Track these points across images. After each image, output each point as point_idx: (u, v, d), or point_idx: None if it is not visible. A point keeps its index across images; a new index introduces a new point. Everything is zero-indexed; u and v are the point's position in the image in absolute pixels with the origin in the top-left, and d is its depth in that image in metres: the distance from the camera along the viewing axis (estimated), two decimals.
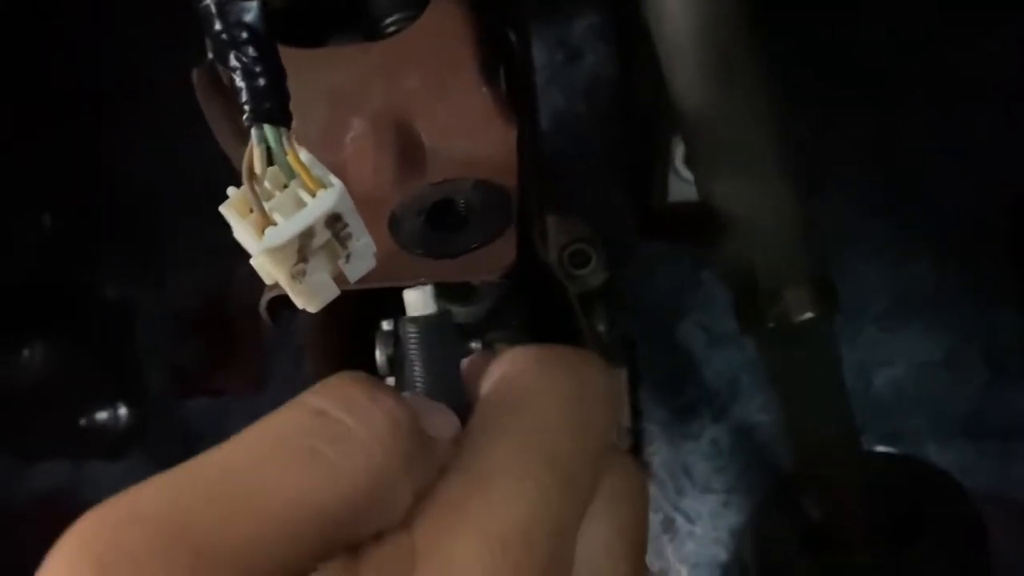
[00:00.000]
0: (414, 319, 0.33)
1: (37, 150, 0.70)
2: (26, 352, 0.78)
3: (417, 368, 0.32)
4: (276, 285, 0.44)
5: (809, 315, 0.54)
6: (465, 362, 0.33)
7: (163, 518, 0.22)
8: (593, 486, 0.30)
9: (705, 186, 0.52)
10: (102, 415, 0.81)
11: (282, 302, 0.44)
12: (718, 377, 0.85)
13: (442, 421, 0.30)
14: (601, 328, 0.77)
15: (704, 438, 0.85)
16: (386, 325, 0.54)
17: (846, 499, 0.68)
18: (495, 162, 0.46)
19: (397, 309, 0.51)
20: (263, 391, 0.86)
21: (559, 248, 0.77)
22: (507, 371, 0.32)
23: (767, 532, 0.80)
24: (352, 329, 0.53)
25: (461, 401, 0.32)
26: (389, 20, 0.50)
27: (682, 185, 0.78)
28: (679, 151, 0.78)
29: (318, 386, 0.27)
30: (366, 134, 0.47)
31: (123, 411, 0.82)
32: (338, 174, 0.36)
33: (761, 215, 0.51)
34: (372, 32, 0.49)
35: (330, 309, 0.53)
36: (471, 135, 0.47)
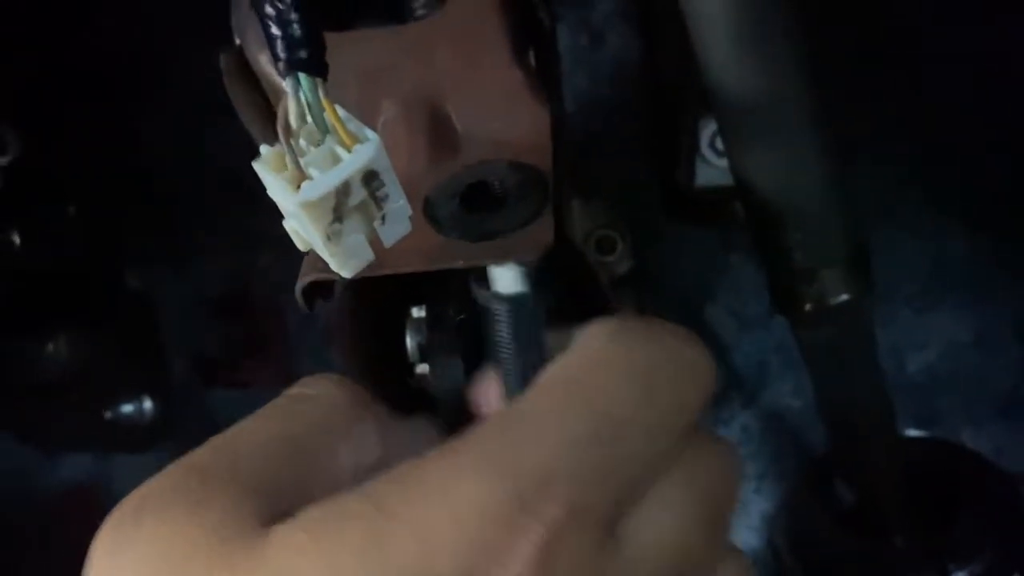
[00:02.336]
0: (505, 297, 0.32)
1: (62, 139, 0.70)
2: (51, 345, 0.78)
3: (504, 346, 0.33)
4: (312, 269, 0.44)
5: (846, 296, 0.53)
6: (550, 337, 0.33)
7: (179, 467, 0.30)
8: (663, 456, 0.29)
9: (739, 163, 0.52)
10: (127, 408, 0.81)
11: (317, 288, 0.44)
12: (748, 361, 0.85)
13: None
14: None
15: (735, 424, 0.85)
16: (416, 312, 0.54)
17: (881, 482, 0.68)
18: (529, 143, 0.46)
19: (423, 296, 0.51)
20: (288, 383, 0.85)
21: (584, 234, 0.77)
22: (579, 342, 0.31)
23: (800, 516, 0.79)
24: (379, 317, 0.52)
25: None
26: (419, 2, 0.50)
27: (709, 169, 0.78)
28: (705, 135, 0.78)
29: None
30: (398, 117, 0.47)
31: (148, 404, 0.82)
32: None
33: (799, 193, 0.50)
34: (402, 14, 0.49)
35: (357, 296, 0.52)
36: (504, 116, 0.46)
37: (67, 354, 0.78)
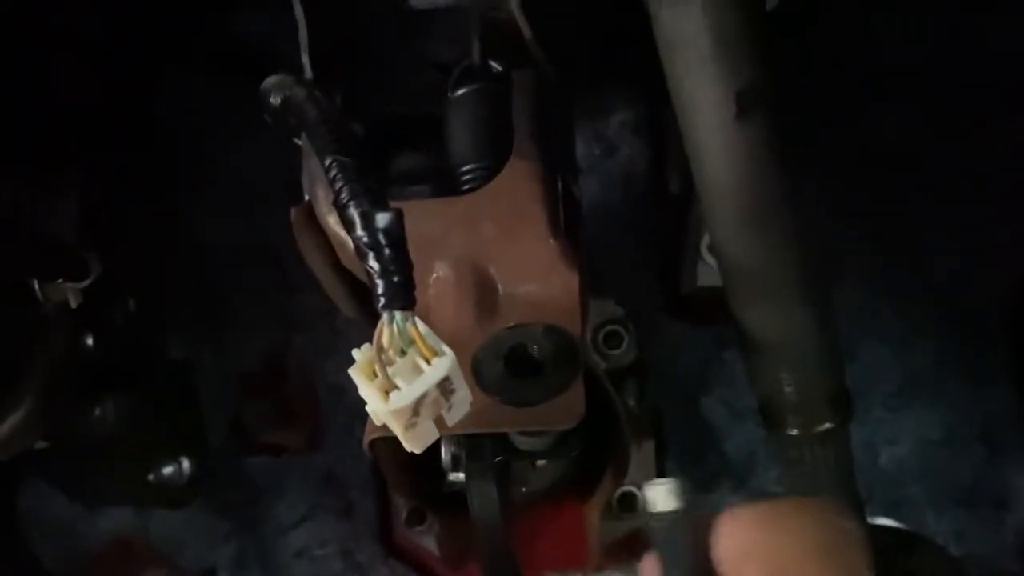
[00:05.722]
0: (665, 516, 0.38)
1: (125, 241, 0.76)
2: (98, 411, 0.84)
3: (667, 561, 0.38)
4: (376, 428, 0.51)
5: (828, 425, 0.60)
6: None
7: None
8: None
9: (739, 312, 0.59)
10: (167, 468, 0.87)
11: (381, 439, 0.51)
12: (738, 450, 0.92)
13: None
14: (631, 402, 0.83)
15: (724, 506, 0.91)
16: None
17: None
18: (561, 306, 0.53)
19: None
20: (318, 450, 0.93)
21: (594, 329, 0.83)
22: (736, 532, 0.37)
23: None
24: None
25: None
26: (466, 168, 0.57)
27: (709, 271, 0.84)
28: (706, 239, 0.84)
29: None
30: (448, 276, 0.54)
31: (187, 465, 0.88)
32: (423, 312, 0.43)
33: (790, 344, 0.57)
34: (453, 186, 0.56)
35: None
36: (540, 281, 0.54)
37: (113, 418, 0.84)
